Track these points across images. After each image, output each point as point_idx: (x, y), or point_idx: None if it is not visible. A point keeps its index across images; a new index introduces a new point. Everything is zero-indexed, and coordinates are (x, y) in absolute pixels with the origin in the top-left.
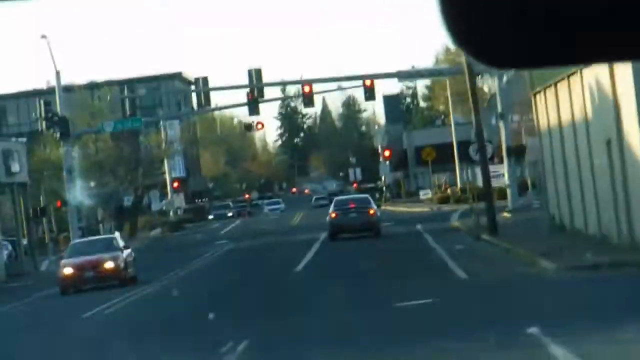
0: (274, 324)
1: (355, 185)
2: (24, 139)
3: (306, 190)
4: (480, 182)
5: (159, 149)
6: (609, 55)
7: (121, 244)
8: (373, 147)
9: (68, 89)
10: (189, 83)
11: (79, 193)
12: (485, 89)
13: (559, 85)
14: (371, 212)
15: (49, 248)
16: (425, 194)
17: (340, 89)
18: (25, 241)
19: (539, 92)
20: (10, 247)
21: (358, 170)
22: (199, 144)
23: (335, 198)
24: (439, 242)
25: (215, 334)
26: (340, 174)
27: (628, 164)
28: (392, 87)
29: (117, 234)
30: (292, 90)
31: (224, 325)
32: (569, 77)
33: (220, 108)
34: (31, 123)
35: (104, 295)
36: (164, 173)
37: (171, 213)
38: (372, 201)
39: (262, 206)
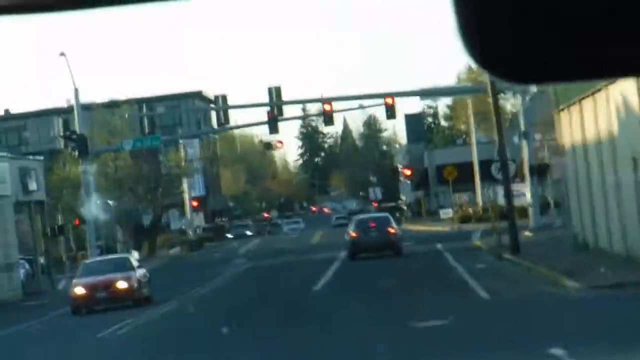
0: (293, 341)
1: (375, 204)
2: (41, 157)
3: (326, 210)
4: (501, 201)
5: (178, 168)
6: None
7: (135, 263)
8: (393, 166)
9: (87, 107)
10: (209, 101)
11: (97, 211)
12: (507, 108)
13: (583, 102)
14: (392, 231)
15: (66, 266)
16: (445, 213)
17: (361, 107)
18: (42, 259)
19: (564, 109)
20: (27, 266)
21: (378, 190)
22: (219, 162)
23: (355, 217)
24: (459, 261)
25: (231, 350)
26: (361, 193)
27: None
28: (414, 106)
29: (134, 253)
30: (312, 108)
31: (241, 343)
32: (593, 94)
33: (240, 126)
34: (51, 141)
35: (116, 316)
36: (183, 192)
37: (190, 232)
38: (392, 220)
39: (281, 225)
